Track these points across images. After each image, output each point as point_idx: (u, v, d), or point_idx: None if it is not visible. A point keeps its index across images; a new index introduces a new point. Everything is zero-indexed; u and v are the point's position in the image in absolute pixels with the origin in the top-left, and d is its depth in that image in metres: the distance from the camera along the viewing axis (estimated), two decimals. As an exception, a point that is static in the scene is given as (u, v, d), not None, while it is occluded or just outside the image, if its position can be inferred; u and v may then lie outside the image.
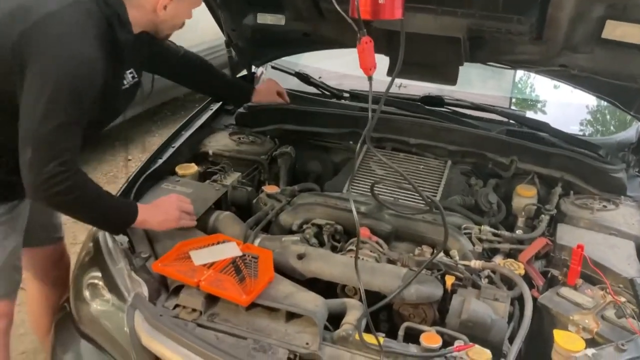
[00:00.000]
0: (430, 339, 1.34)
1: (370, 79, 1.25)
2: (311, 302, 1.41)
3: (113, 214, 1.58)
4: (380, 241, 1.69)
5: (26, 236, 1.72)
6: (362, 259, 1.61)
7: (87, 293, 1.57)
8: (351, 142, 2.25)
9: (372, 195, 1.79)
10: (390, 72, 2.08)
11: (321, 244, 1.74)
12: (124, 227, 1.59)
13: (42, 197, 1.46)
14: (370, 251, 1.65)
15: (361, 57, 1.21)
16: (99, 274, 1.57)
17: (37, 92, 1.40)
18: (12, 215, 1.64)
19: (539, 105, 3.29)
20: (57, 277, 2.00)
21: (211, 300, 1.45)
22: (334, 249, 1.74)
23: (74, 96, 1.42)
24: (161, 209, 1.64)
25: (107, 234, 1.65)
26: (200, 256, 1.54)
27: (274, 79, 2.42)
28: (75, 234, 3.13)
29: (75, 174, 1.45)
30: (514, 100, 3.12)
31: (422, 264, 1.56)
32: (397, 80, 2.78)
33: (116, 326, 1.49)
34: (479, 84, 3.26)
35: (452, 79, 2.07)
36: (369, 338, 1.34)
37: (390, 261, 1.64)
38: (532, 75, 3.16)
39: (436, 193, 1.95)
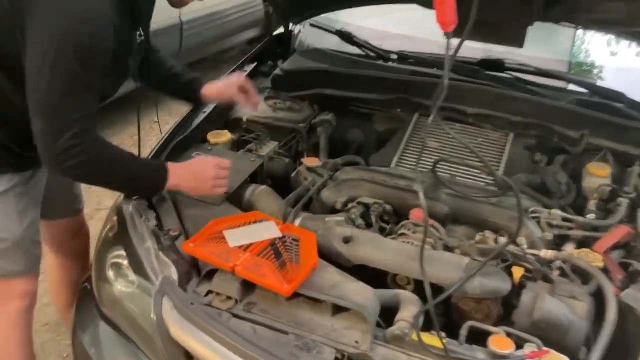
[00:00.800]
0: (501, 343, 1.15)
1: (448, 36, 1.03)
2: (361, 294, 1.24)
3: (141, 180, 1.44)
4: (437, 225, 1.49)
5: (43, 208, 1.57)
6: (414, 244, 1.42)
7: (110, 273, 1.43)
8: (399, 110, 2.04)
9: (427, 173, 1.59)
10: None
11: (368, 226, 1.55)
12: (155, 192, 1.46)
13: (59, 171, 1.33)
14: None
15: (439, 9, 0.99)
16: (124, 253, 1.42)
17: (40, 55, 1.23)
18: (28, 186, 1.50)
19: (597, 71, 2.99)
20: (76, 249, 1.88)
21: (248, 287, 1.28)
22: (382, 231, 1.55)
23: (83, 59, 1.24)
24: (195, 173, 1.48)
25: (132, 207, 1.49)
26: (236, 236, 1.37)
27: (238, 75, 1.85)
28: (100, 198, 3.01)
29: (91, 146, 1.31)
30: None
31: (487, 253, 1.38)
32: (443, 40, 2.53)
33: (141, 311, 1.34)
34: (531, 45, 2.99)
35: (519, 41, 1.82)
36: (429, 339, 1.17)
37: (448, 248, 1.45)
38: (588, 37, 2.88)
39: (497, 170, 1.73)
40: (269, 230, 1.41)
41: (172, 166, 1.46)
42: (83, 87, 1.27)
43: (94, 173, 1.35)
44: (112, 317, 1.41)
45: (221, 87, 1.75)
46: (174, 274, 1.32)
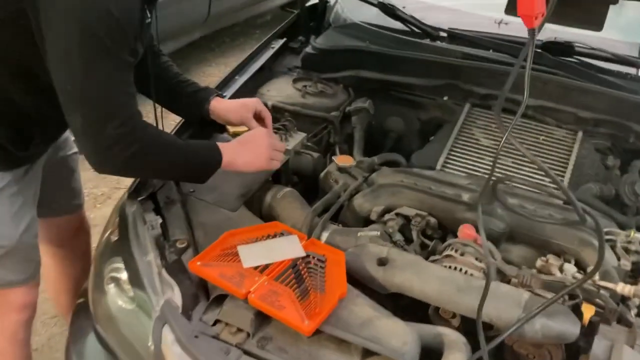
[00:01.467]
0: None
1: (532, 33, 0.78)
2: (398, 335, 1.02)
3: (197, 163, 1.25)
4: (492, 246, 1.25)
5: (40, 205, 1.40)
6: (462, 270, 1.19)
7: (107, 287, 1.24)
8: (446, 98, 1.77)
9: (480, 178, 1.34)
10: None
11: (407, 240, 1.32)
12: (210, 174, 1.27)
13: (109, 169, 1.15)
14: (476, 259, 1.22)
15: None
16: (123, 266, 1.23)
17: (63, 39, 1.03)
18: (22, 185, 1.31)
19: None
20: (76, 249, 1.71)
21: (263, 318, 1.08)
22: (423, 248, 1.32)
23: (113, 32, 1.03)
24: (250, 144, 1.31)
25: (136, 208, 1.31)
26: (251, 254, 1.17)
27: (256, 99, 1.51)
28: (119, 177, 2.84)
29: (142, 132, 1.14)
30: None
31: (552, 287, 1.14)
32: (497, 15, 2.22)
33: (138, 336, 1.16)
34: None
35: (598, 23, 1.52)
36: (478, 398, 0.96)
37: (501, 274, 1.22)
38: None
39: (563, 176, 1.47)
40: (290, 247, 1.20)
41: (220, 144, 1.28)
42: (120, 65, 1.08)
43: (149, 163, 1.18)
44: (106, 338, 1.23)
45: (235, 105, 1.47)
46: (177, 297, 1.13)
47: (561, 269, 1.23)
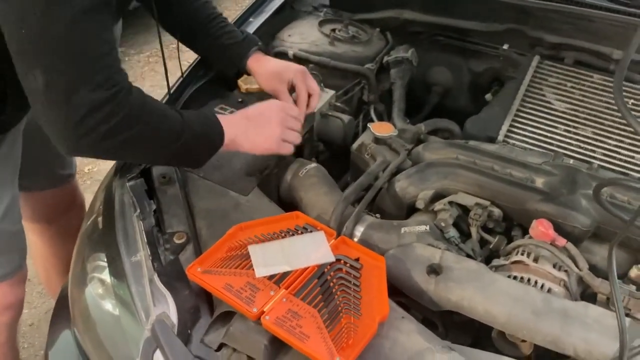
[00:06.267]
0: None
1: None
2: (456, 378, 0.78)
3: (192, 142, 0.95)
4: (572, 248, 0.97)
5: (22, 177, 1.14)
6: (542, 286, 0.92)
7: (88, 287, 1.01)
8: (506, 47, 1.44)
9: (557, 155, 1.05)
10: None
11: (464, 235, 1.05)
12: (208, 158, 0.99)
13: (84, 148, 0.86)
14: (554, 266, 0.95)
15: None
16: (106, 264, 0.99)
17: None
18: None
19: None
20: (67, 226, 1.45)
21: (279, 345, 0.84)
22: (482, 245, 1.05)
23: None
24: (257, 122, 1.03)
25: (124, 190, 1.05)
26: (266, 258, 0.91)
27: (302, 68, 1.21)
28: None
29: (126, 97, 0.84)
30: None
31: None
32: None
33: (122, 353, 0.93)
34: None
35: None
36: None
37: (584, 285, 0.95)
38: None
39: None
40: (315, 249, 0.94)
41: (222, 117, 0.99)
42: (93, 5, 0.78)
43: (134, 141, 0.88)
44: (83, 346, 1.01)
45: (270, 71, 1.19)
46: (172, 311, 0.89)
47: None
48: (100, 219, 1.06)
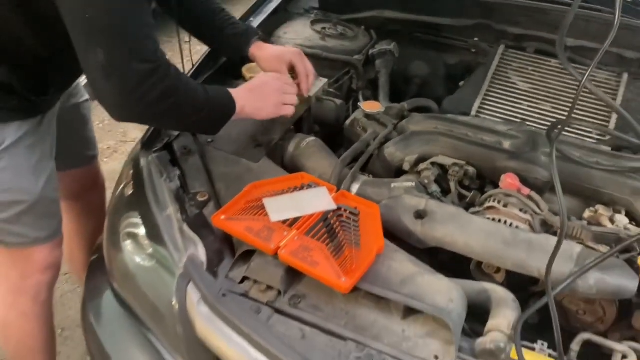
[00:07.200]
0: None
1: None
2: (443, 293, 0.94)
3: (213, 109, 1.14)
4: (535, 196, 1.16)
5: (54, 158, 1.29)
6: (507, 222, 1.10)
7: (124, 243, 1.16)
8: (476, 39, 1.64)
9: (520, 124, 1.24)
10: None
11: (444, 192, 1.23)
12: (224, 125, 1.17)
13: (136, 113, 1.04)
14: (520, 210, 1.13)
15: None
16: (140, 221, 1.14)
17: None
18: (39, 135, 1.20)
19: None
20: (91, 203, 1.61)
21: (294, 274, 1.00)
22: (461, 199, 1.23)
23: None
24: (258, 92, 1.20)
25: (151, 160, 1.21)
26: (278, 207, 1.08)
27: (298, 51, 1.38)
28: (126, 129, 2.74)
29: (168, 68, 1.03)
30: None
31: (605, 240, 1.06)
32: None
33: (160, 294, 1.08)
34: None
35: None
36: (532, 357, 0.89)
37: (547, 225, 1.13)
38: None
39: (608, 121, 1.36)
40: (319, 200, 1.11)
41: (231, 90, 1.18)
42: None
43: (175, 107, 1.05)
44: (124, 296, 1.16)
45: (271, 54, 1.36)
46: (201, 253, 1.04)
47: (612, 220, 1.14)
48: (130, 184, 1.21)
